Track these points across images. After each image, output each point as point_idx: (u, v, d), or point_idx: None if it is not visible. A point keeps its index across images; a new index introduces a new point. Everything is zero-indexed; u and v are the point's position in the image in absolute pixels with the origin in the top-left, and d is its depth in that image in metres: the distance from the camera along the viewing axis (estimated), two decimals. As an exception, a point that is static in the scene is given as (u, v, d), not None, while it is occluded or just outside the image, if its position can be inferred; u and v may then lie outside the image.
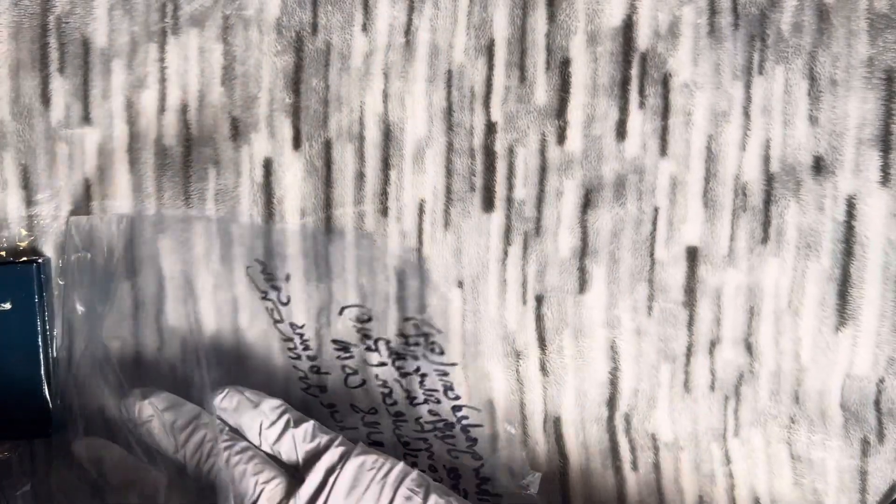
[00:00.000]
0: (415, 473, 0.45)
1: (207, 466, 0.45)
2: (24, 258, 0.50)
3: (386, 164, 0.51)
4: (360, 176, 0.51)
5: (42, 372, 0.49)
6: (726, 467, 0.51)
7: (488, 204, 0.50)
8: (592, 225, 0.50)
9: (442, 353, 0.50)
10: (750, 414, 0.51)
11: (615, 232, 0.50)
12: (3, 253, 0.51)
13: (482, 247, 0.51)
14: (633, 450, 0.51)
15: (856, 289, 0.49)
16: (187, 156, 0.51)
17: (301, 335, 0.50)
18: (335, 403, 0.51)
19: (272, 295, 0.50)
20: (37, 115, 0.50)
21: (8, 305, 0.49)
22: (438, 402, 0.51)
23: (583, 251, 0.50)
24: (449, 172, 0.50)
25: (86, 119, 0.51)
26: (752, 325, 0.50)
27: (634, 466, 0.52)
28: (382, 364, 0.50)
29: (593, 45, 0.49)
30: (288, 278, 0.50)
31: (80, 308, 0.50)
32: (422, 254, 0.51)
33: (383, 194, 0.51)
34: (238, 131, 0.51)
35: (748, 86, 0.49)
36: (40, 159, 0.51)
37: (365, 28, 0.50)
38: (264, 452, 0.46)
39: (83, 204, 0.51)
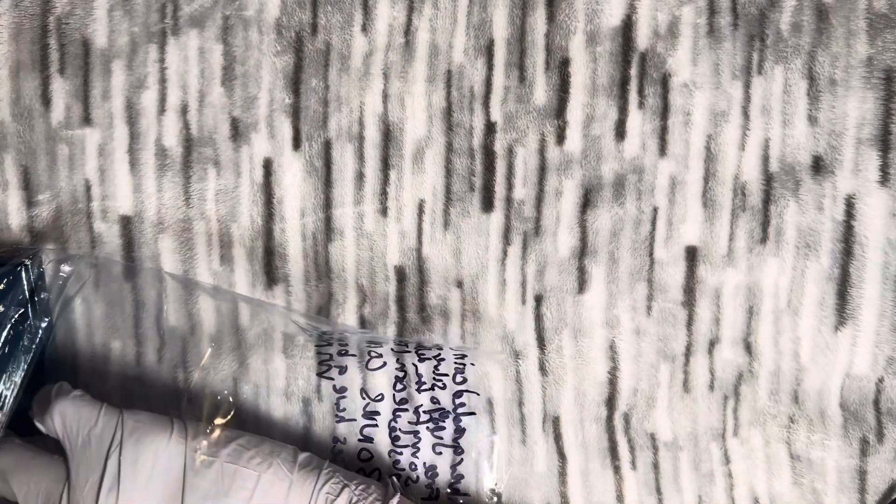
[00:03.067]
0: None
1: None
2: (17, 258, 0.50)
3: (386, 164, 0.51)
4: (360, 176, 0.51)
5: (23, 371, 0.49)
6: (725, 467, 0.51)
7: (488, 204, 0.51)
8: (592, 225, 0.50)
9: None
10: (749, 413, 0.51)
11: (614, 232, 0.50)
12: None
13: (482, 247, 0.51)
14: (632, 449, 0.51)
15: (855, 288, 0.49)
16: (187, 156, 0.51)
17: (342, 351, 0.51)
18: (346, 387, 0.51)
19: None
20: (37, 116, 0.51)
21: None
22: (444, 387, 0.51)
23: (582, 251, 0.50)
24: (448, 172, 0.51)
25: (86, 120, 0.51)
26: (752, 324, 0.50)
27: (633, 466, 0.52)
28: (405, 351, 0.51)
29: (593, 45, 0.49)
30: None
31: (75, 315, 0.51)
32: (421, 254, 0.51)
33: (383, 194, 0.51)
34: (238, 131, 0.51)
35: (747, 86, 0.49)
36: (41, 160, 0.51)
37: (365, 28, 0.50)
38: None
39: (84, 205, 0.51)
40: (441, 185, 0.51)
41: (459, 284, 0.51)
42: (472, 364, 0.51)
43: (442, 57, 0.50)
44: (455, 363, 0.51)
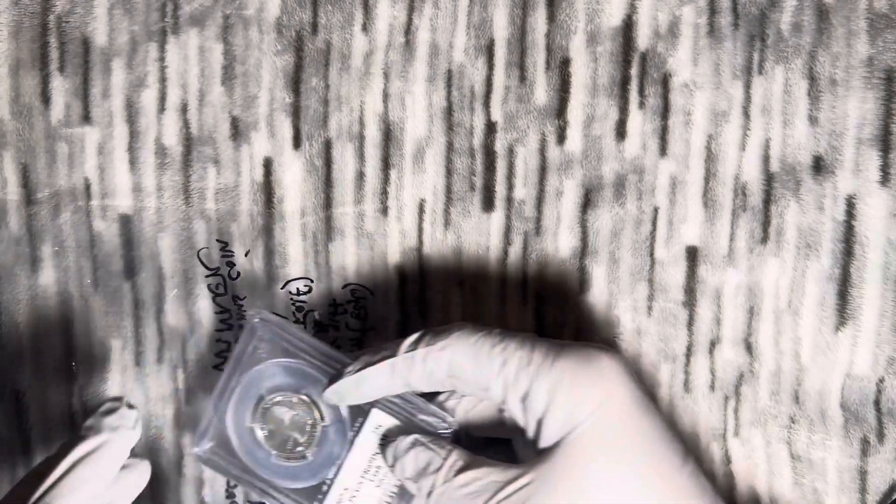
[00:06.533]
0: None
1: None
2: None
3: (386, 164, 0.51)
4: (360, 175, 0.51)
5: None
6: (726, 467, 0.51)
7: (488, 203, 0.50)
8: (592, 225, 0.50)
9: (366, 316, 0.51)
10: (750, 414, 0.51)
11: (615, 232, 0.50)
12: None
13: (482, 246, 0.51)
14: (633, 449, 0.51)
15: (856, 288, 0.49)
16: (187, 155, 0.51)
17: (240, 307, 0.51)
18: None
19: (223, 271, 0.51)
20: (37, 114, 0.50)
21: None
22: None
23: (583, 251, 0.50)
24: (449, 172, 0.50)
25: (86, 118, 0.50)
26: (752, 324, 0.50)
27: (634, 466, 0.51)
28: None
29: (593, 45, 0.49)
30: (247, 254, 0.51)
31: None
32: (422, 253, 0.51)
33: (383, 194, 0.51)
34: (238, 130, 0.51)
35: (748, 86, 0.49)
36: (40, 158, 0.51)
37: (365, 28, 0.50)
38: None
39: (83, 203, 0.51)
40: (442, 185, 0.50)
41: (460, 284, 0.51)
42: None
43: (442, 56, 0.50)
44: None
